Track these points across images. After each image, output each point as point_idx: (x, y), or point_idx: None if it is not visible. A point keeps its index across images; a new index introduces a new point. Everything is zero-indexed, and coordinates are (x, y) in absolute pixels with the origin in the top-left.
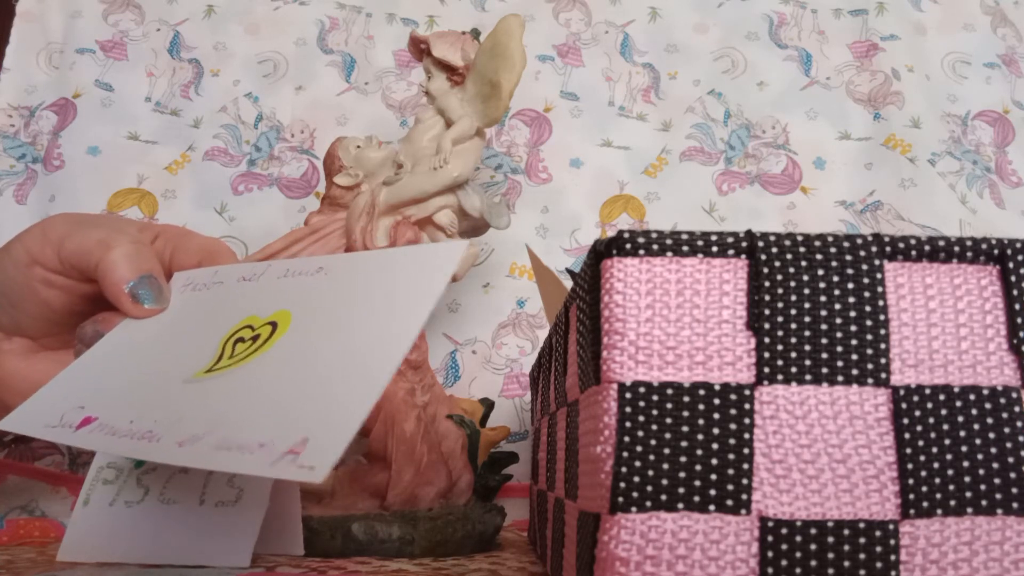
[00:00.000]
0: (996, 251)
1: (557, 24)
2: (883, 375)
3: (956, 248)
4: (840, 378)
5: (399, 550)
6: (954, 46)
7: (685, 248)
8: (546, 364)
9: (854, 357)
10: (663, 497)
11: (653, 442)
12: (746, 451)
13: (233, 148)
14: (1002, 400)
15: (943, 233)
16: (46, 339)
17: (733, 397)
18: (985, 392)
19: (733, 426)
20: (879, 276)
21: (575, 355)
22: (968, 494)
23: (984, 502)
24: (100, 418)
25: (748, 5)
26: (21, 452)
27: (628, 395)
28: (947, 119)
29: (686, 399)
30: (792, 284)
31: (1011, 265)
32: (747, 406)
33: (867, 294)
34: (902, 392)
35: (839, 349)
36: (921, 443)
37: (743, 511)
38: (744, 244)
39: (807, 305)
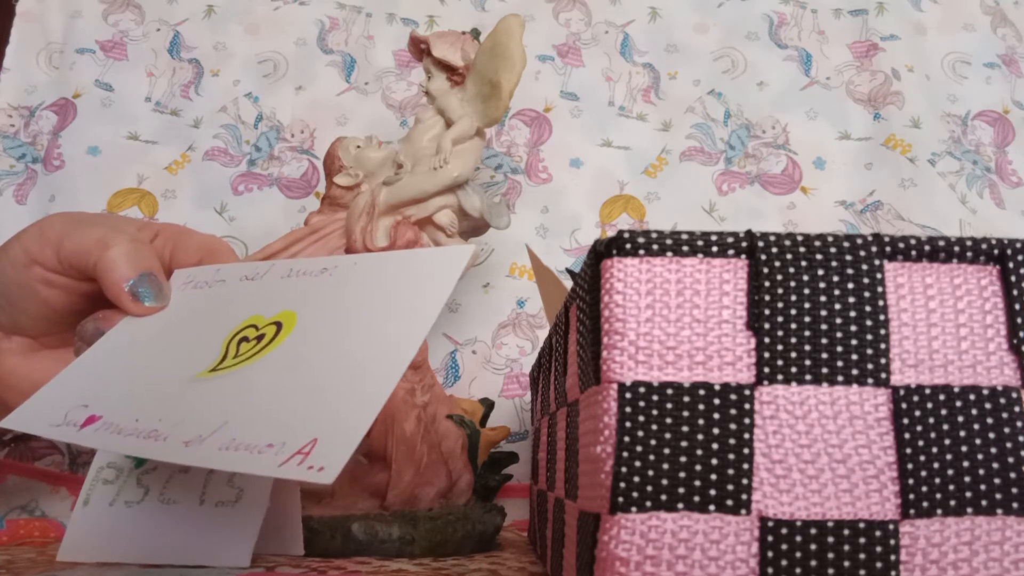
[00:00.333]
0: (996, 251)
1: (557, 24)
2: (883, 375)
3: (956, 248)
4: (840, 378)
5: (399, 550)
6: (954, 46)
7: (685, 248)
8: (546, 364)
9: (854, 357)
10: (663, 497)
11: (653, 442)
12: (746, 451)
13: (233, 148)
14: (1002, 400)
15: (943, 233)
16: (46, 338)
17: (733, 397)
18: (985, 392)
19: (733, 426)
20: (879, 276)
21: (575, 355)
22: (968, 494)
23: (984, 502)
24: (104, 416)
25: (748, 5)
26: (21, 452)
27: (628, 395)
28: (947, 119)
29: (686, 399)
30: (792, 284)
31: (1011, 265)
32: (747, 406)
33: (867, 294)
34: (902, 392)
35: (839, 349)
36: (921, 443)
37: (743, 511)
38: (744, 244)
39: (807, 305)
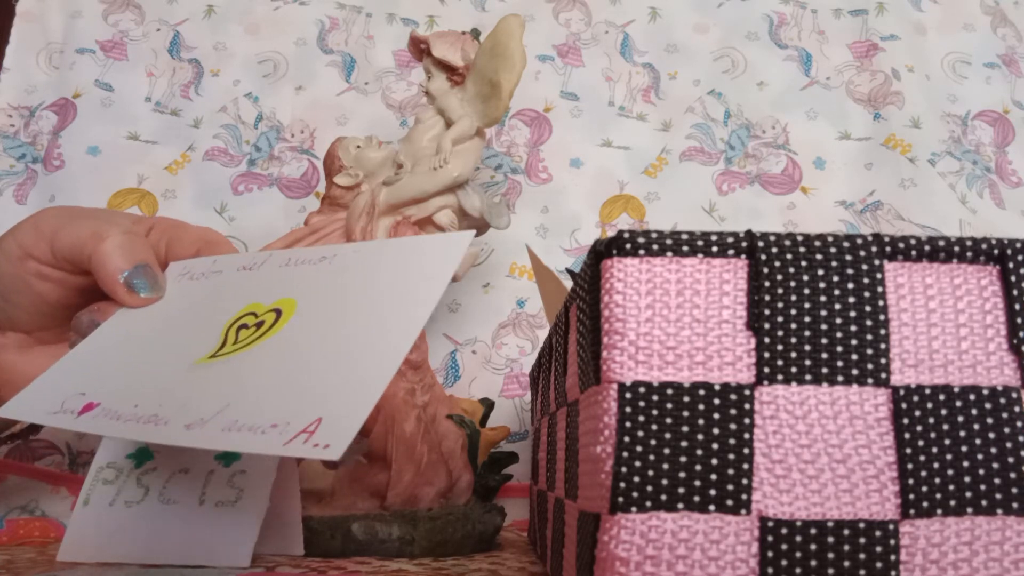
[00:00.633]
0: (996, 251)
1: (557, 24)
2: (883, 375)
3: (956, 248)
4: (840, 378)
5: (399, 550)
6: (954, 46)
7: (685, 248)
8: (546, 364)
9: (854, 357)
10: (663, 497)
11: (653, 442)
12: (746, 451)
13: (233, 148)
14: (1002, 400)
15: (943, 233)
16: (41, 333)
17: (733, 397)
18: (985, 392)
19: (733, 426)
20: (879, 276)
21: (575, 355)
22: (968, 494)
23: (984, 502)
24: (103, 403)
25: (748, 5)
26: (21, 452)
27: (628, 395)
28: (947, 119)
29: (686, 399)
30: (792, 284)
31: (1011, 265)
32: (747, 406)
33: (867, 294)
34: (902, 392)
35: (839, 349)
36: (921, 443)
37: (743, 511)
38: (744, 244)
39: (807, 305)
